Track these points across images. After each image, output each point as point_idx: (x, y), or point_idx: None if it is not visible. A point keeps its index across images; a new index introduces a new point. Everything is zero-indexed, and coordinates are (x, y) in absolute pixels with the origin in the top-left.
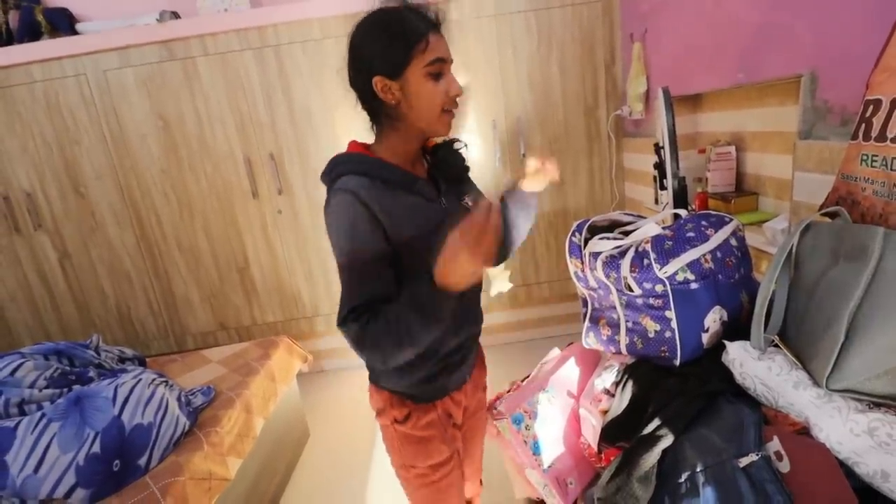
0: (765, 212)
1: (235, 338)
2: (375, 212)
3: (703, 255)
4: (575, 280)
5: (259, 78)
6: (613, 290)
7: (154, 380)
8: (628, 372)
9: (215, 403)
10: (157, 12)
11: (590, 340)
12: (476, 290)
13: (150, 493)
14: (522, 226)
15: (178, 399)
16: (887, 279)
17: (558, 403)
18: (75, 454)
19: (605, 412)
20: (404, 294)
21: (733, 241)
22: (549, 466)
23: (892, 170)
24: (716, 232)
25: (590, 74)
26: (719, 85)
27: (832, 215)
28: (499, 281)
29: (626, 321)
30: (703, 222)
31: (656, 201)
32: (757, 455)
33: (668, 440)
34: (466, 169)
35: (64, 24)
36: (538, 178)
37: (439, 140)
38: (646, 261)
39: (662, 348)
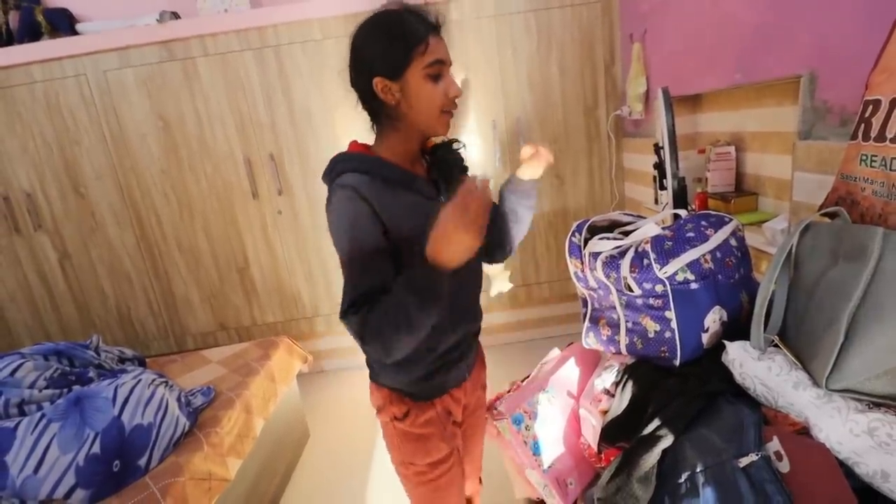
0: (764, 212)
1: (235, 338)
2: (375, 208)
3: (703, 255)
4: (575, 280)
5: (259, 78)
6: (613, 291)
7: (154, 380)
8: (628, 372)
9: (215, 404)
10: (157, 13)
11: (590, 341)
12: (475, 287)
13: (149, 493)
14: (524, 216)
15: (178, 399)
16: (887, 279)
17: (558, 404)
18: (75, 455)
19: (605, 412)
20: (399, 280)
21: (733, 242)
22: (549, 467)
23: (891, 170)
24: (715, 232)
25: (589, 75)
26: (719, 85)
27: (832, 215)
28: (499, 281)
29: (626, 321)
30: (703, 222)
31: (656, 201)
32: (757, 455)
33: (668, 440)
34: (465, 169)
35: (64, 24)
36: (533, 164)
37: (438, 140)
38: (645, 261)
39: (662, 348)
